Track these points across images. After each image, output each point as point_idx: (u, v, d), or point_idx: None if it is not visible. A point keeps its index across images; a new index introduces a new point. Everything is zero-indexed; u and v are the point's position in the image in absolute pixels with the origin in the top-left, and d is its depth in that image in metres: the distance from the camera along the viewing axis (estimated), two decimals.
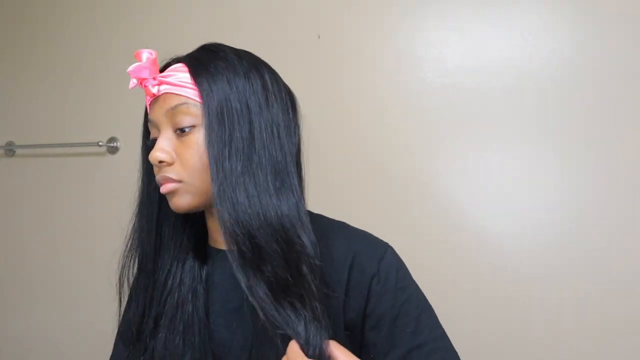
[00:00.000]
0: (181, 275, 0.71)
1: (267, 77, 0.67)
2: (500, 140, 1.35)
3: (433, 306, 0.72)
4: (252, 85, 0.64)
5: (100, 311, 1.85)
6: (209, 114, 0.63)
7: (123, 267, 0.76)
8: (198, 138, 0.64)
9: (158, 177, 0.67)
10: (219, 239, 0.73)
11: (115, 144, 1.78)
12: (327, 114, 1.48)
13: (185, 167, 0.65)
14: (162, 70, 0.70)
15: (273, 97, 0.66)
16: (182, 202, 0.66)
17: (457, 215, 1.39)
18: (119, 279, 0.76)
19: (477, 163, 1.37)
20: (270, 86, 0.66)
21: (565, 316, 1.30)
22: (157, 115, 0.67)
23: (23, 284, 1.97)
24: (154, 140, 0.68)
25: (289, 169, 0.65)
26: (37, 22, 1.90)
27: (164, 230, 0.72)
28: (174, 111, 0.64)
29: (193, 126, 0.64)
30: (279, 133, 0.65)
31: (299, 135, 0.70)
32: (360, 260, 0.68)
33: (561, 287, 1.30)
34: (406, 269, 0.73)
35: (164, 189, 0.66)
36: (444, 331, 0.71)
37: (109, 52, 1.79)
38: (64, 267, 1.88)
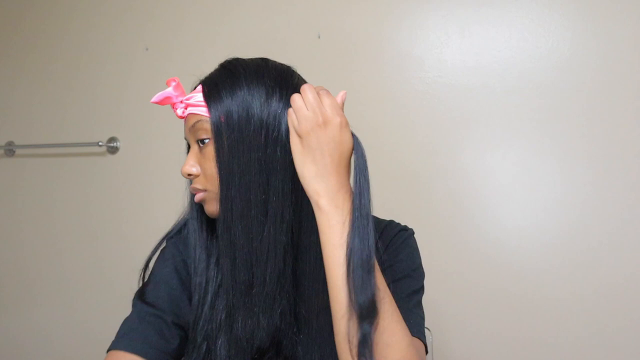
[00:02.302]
0: None
1: (270, 83, 0.71)
2: (501, 139, 1.35)
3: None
4: (254, 94, 0.70)
5: (100, 311, 1.86)
6: (212, 127, 0.70)
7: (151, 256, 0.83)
8: (212, 150, 0.71)
9: (190, 188, 0.76)
10: None
11: (115, 144, 1.78)
12: None
13: (207, 177, 0.72)
14: (194, 89, 0.76)
15: (277, 100, 0.71)
16: (212, 208, 0.74)
17: (456, 213, 1.39)
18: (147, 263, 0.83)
19: (477, 162, 1.37)
20: (272, 91, 0.71)
21: (566, 314, 1.30)
22: (186, 133, 0.75)
23: (23, 283, 1.96)
24: None
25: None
26: (37, 22, 1.90)
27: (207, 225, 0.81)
28: (194, 128, 0.72)
29: (209, 139, 0.71)
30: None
31: None
32: (384, 238, 0.80)
33: (560, 284, 1.30)
34: (415, 246, 0.83)
35: (196, 199, 0.74)
36: (419, 300, 0.79)
37: (109, 52, 1.79)
38: (64, 266, 1.88)
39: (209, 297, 0.76)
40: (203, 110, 0.71)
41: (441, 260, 1.39)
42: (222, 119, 0.69)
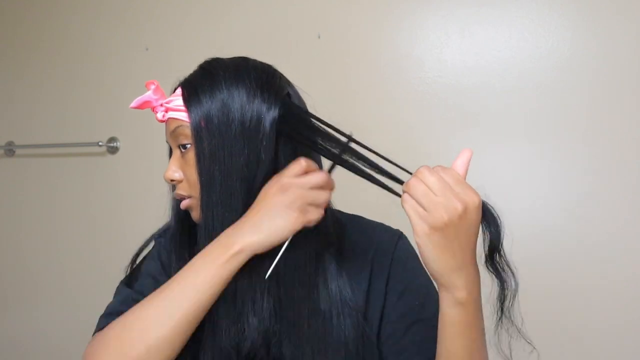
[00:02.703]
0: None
1: (251, 84, 0.68)
2: (501, 139, 1.35)
3: None
4: (234, 97, 0.67)
5: (101, 310, 1.85)
6: (192, 133, 0.68)
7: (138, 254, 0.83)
8: (193, 155, 0.69)
9: (174, 194, 0.73)
10: None
11: (115, 144, 1.78)
12: (326, 114, 1.48)
13: (191, 183, 0.70)
14: (173, 91, 0.75)
15: (259, 102, 0.67)
16: (198, 215, 0.71)
17: None
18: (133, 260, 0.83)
19: (477, 162, 1.37)
20: (254, 93, 0.68)
21: (566, 314, 1.30)
22: (167, 137, 0.73)
23: (23, 283, 1.96)
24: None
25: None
26: (38, 23, 1.90)
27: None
28: (174, 133, 0.70)
29: (190, 144, 0.69)
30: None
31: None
32: (381, 251, 0.76)
33: (561, 284, 1.30)
34: (416, 254, 0.78)
35: (182, 205, 0.73)
36: None
37: (109, 52, 1.79)
38: (64, 266, 1.88)
39: None
40: (183, 115, 0.68)
41: None
42: (202, 124, 0.67)
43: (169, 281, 0.66)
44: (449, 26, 1.39)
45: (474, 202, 0.58)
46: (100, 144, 1.75)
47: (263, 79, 0.69)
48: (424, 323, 0.74)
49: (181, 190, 0.71)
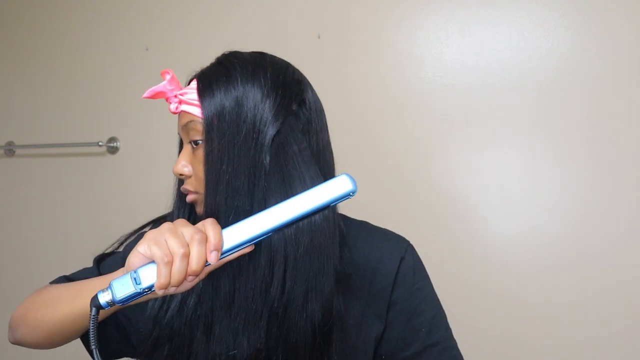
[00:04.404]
0: None
1: (267, 82, 0.68)
2: (501, 139, 1.35)
3: None
4: (249, 96, 0.66)
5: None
6: (204, 129, 0.67)
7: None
8: (203, 152, 0.68)
9: (181, 188, 0.73)
10: None
11: (115, 144, 1.78)
12: (326, 114, 1.48)
13: (198, 180, 0.69)
14: (189, 83, 0.73)
15: (272, 102, 0.66)
16: (202, 210, 0.70)
17: (457, 213, 1.39)
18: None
19: (477, 162, 1.37)
20: (269, 92, 0.67)
21: (566, 315, 1.30)
22: (179, 129, 0.72)
23: (23, 283, 1.96)
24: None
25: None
26: (37, 23, 1.90)
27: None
28: (186, 128, 0.69)
29: (201, 140, 0.68)
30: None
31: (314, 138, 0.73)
32: (382, 264, 0.73)
33: (560, 287, 1.30)
34: (424, 268, 0.77)
35: (187, 199, 0.72)
36: (452, 332, 0.76)
37: (109, 52, 1.79)
38: (64, 266, 1.88)
39: (175, 303, 0.70)
40: (196, 111, 0.67)
41: (441, 262, 1.39)
42: (215, 122, 0.65)
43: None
44: (449, 26, 1.39)
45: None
46: (100, 144, 1.75)
47: (280, 81, 0.68)
48: (431, 349, 0.73)
49: (188, 186, 0.70)
